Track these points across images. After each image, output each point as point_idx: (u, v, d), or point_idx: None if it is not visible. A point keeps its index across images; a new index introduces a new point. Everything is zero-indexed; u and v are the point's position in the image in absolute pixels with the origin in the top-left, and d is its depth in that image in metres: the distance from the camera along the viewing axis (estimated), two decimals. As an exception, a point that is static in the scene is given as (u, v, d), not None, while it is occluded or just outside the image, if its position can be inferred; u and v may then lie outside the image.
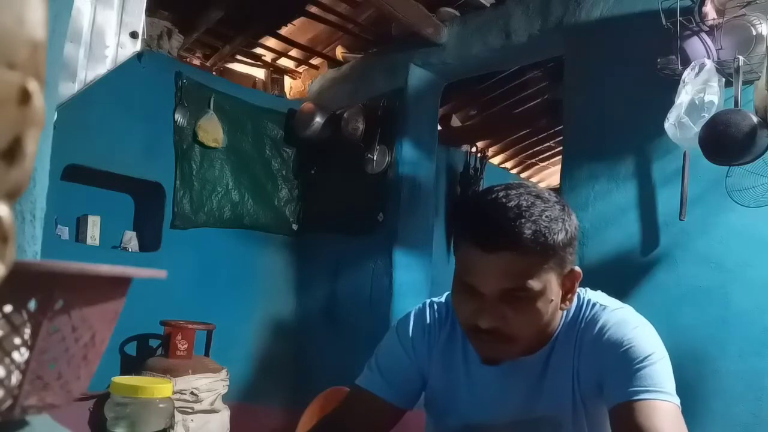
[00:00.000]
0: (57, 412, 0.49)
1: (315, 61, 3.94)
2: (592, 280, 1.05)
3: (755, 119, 1.76)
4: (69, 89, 1.76)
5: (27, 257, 0.79)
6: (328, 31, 3.61)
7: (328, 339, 3.50)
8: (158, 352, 3.06)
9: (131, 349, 3.08)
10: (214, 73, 3.83)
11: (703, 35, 1.94)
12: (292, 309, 3.79)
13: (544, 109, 4.17)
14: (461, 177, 4.65)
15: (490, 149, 4.86)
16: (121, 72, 2.13)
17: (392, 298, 3.18)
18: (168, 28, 3.31)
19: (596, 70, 2.45)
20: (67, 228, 3.03)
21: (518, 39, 2.82)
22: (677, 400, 0.86)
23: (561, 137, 3.07)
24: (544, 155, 5.17)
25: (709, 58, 1.91)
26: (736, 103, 1.83)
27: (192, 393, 2.72)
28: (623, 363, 0.88)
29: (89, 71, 1.81)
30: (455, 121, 4.60)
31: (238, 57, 3.88)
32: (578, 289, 0.97)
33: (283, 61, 3.99)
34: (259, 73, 4.09)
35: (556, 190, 2.22)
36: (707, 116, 1.83)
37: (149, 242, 3.25)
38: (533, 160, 5.31)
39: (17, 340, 0.42)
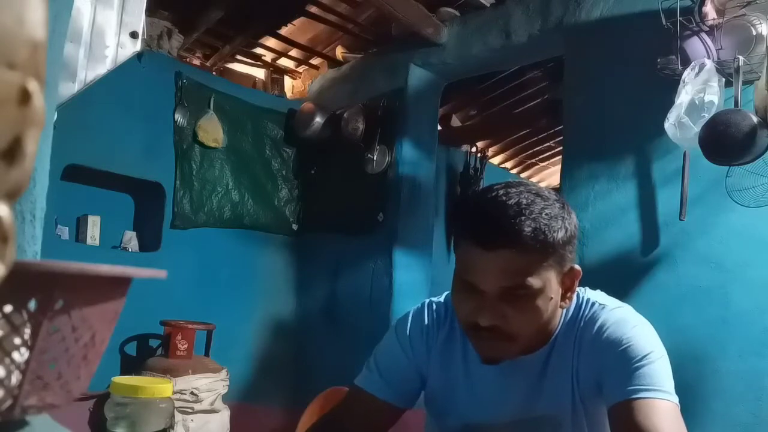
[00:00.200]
0: (57, 412, 0.49)
1: (315, 61, 3.94)
2: (592, 280, 1.05)
3: (755, 119, 1.76)
4: (69, 89, 1.76)
5: (27, 257, 0.79)
6: (328, 31, 3.61)
7: (328, 339, 3.50)
8: (158, 352, 3.06)
9: (131, 349, 3.08)
10: (214, 73, 3.83)
11: (703, 35, 1.94)
12: (292, 309, 3.79)
13: (544, 109, 4.17)
14: (461, 177, 4.65)
15: (490, 149, 4.86)
16: (121, 72, 2.13)
17: (392, 298, 3.18)
18: (168, 28, 3.31)
19: (596, 70, 2.45)
20: (67, 228, 3.03)
21: (518, 39, 2.82)
22: (676, 399, 0.86)
23: (561, 137, 3.07)
24: (544, 155, 5.17)
25: (709, 58, 1.91)
26: (736, 103, 1.83)
27: (192, 393, 2.72)
28: (622, 362, 0.88)
29: (89, 71, 1.81)
30: (455, 121, 4.60)
31: (238, 57, 3.88)
32: (578, 289, 0.97)
33: (283, 61, 3.99)
34: (259, 73, 4.09)
35: (556, 190, 2.22)
36: (707, 116, 1.83)
37: (149, 242, 3.25)
38: (533, 160, 5.31)
39: (17, 340, 0.42)
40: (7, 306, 0.41)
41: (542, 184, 5.10)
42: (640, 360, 0.87)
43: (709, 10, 1.95)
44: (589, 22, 2.50)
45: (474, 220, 0.90)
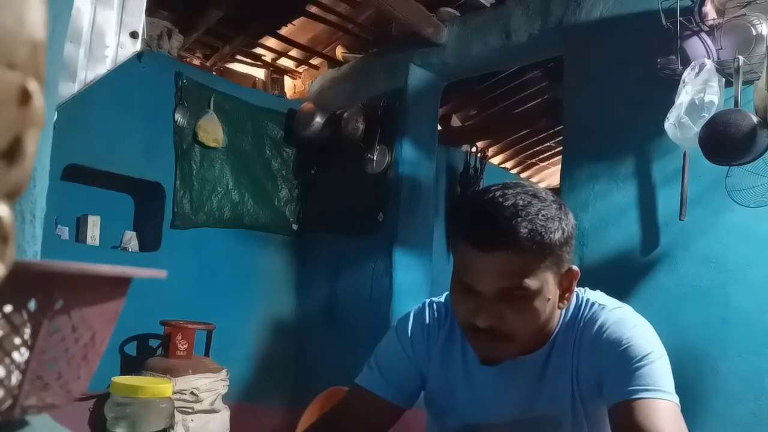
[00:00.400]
0: (57, 412, 0.49)
1: (315, 61, 3.94)
2: (592, 280, 1.05)
3: (755, 119, 1.76)
4: (69, 89, 1.76)
5: (27, 257, 0.79)
6: (328, 31, 3.61)
7: (328, 339, 3.50)
8: (158, 352, 3.06)
9: (131, 349, 3.08)
10: (214, 73, 3.83)
11: (703, 35, 1.94)
12: (292, 309, 3.79)
13: (544, 109, 4.17)
14: (461, 177, 4.65)
15: (490, 149, 4.86)
16: (121, 72, 2.12)
17: (392, 298, 3.18)
18: (168, 28, 3.31)
19: (596, 70, 2.45)
20: (67, 228, 3.03)
21: (518, 39, 2.82)
22: (676, 399, 0.86)
23: (561, 137, 3.07)
24: (544, 155, 5.17)
25: (709, 58, 1.91)
26: (736, 103, 1.83)
27: (192, 393, 2.72)
28: (622, 362, 0.88)
29: (89, 71, 1.81)
30: (455, 121, 4.60)
31: (238, 57, 3.88)
32: (577, 289, 0.98)
33: (283, 61, 3.99)
34: (259, 73, 4.09)
35: (556, 190, 2.22)
36: (707, 116, 1.83)
37: (149, 242, 3.25)
38: (533, 160, 5.31)
39: (17, 340, 0.42)
40: (7, 306, 0.41)
41: (542, 184, 5.10)
42: (640, 360, 0.87)
43: (709, 10, 1.95)
44: (589, 22, 2.50)
45: (471, 222, 0.90)
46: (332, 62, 3.81)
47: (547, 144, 4.89)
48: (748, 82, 1.89)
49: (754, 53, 1.87)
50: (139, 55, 2.83)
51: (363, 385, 1.07)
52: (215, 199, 3.47)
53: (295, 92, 4.14)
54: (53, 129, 0.95)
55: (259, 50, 3.82)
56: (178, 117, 3.31)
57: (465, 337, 0.98)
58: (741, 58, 1.84)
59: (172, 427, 0.73)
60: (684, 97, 1.88)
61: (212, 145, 3.43)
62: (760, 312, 1.93)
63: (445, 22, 3.14)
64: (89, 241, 3.05)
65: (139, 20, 1.90)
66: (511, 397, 0.98)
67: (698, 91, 1.87)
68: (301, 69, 4.07)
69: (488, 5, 3.00)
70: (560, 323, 0.97)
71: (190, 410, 2.71)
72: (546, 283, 0.87)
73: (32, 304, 0.42)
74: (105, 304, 0.47)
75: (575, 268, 0.92)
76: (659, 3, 2.02)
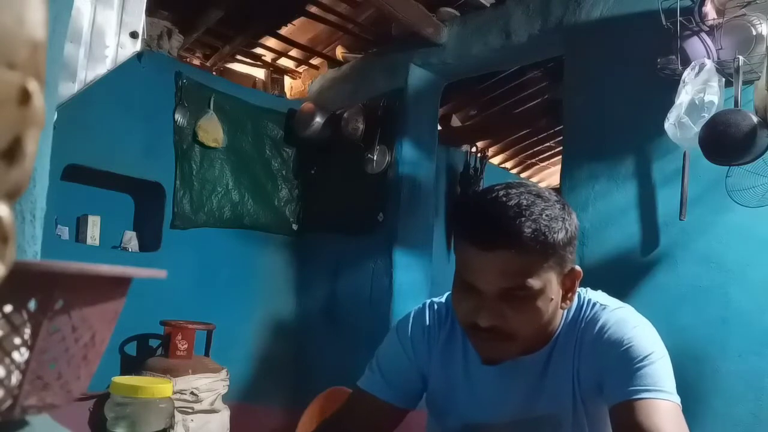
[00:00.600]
0: (57, 412, 0.49)
1: (315, 61, 3.94)
2: (592, 280, 1.05)
3: (755, 119, 1.76)
4: (69, 89, 1.76)
5: (27, 257, 0.79)
6: (328, 31, 3.61)
7: (328, 339, 3.50)
8: (158, 352, 3.06)
9: (131, 349, 3.08)
10: (214, 73, 3.83)
11: (703, 35, 1.94)
12: (292, 309, 3.79)
13: (544, 109, 4.17)
14: (461, 177, 4.65)
15: (490, 149, 4.86)
16: (121, 72, 2.12)
17: (392, 298, 3.18)
18: (168, 28, 3.30)
19: (596, 70, 2.45)
20: (67, 228, 3.03)
21: (518, 39, 2.82)
22: (677, 399, 0.86)
23: (561, 137, 3.07)
24: (544, 155, 5.17)
25: (709, 58, 1.91)
26: (736, 103, 1.83)
27: (192, 393, 2.72)
28: (623, 362, 0.88)
29: (89, 71, 1.81)
30: (455, 121, 4.60)
31: (238, 57, 3.88)
32: (579, 289, 0.97)
33: (283, 61, 3.99)
34: (259, 73, 4.09)
35: (556, 190, 2.22)
36: (707, 116, 1.83)
37: (149, 242, 3.25)
38: (533, 160, 5.31)
39: (17, 340, 0.42)
40: (7, 306, 0.41)
41: (542, 184, 5.12)
42: (642, 360, 0.87)
43: (709, 10, 1.95)
44: (589, 22, 2.50)
45: (474, 221, 0.90)
46: (332, 62, 3.81)
47: (547, 144, 4.89)
48: (748, 82, 1.89)
49: (754, 53, 1.87)
50: (139, 55, 2.83)
51: (365, 387, 1.07)
52: (215, 199, 3.47)
53: (294, 92, 4.14)
54: (53, 129, 0.95)
55: (259, 50, 3.82)
56: (178, 117, 3.31)
57: (466, 336, 0.98)
58: (741, 58, 1.84)
59: (172, 427, 0.73)
60: (684, 97, 1.88)
61: (212, 145, 3.43)
62: (760, 312, 1.93)
63: (445, 22, 3.14)
64: (89, 241, 3.05)
65: (139, 20, 1.90)
66: (512, 397, 0.98)
67: (698, 91, 1.87)
68: (301, 69, 4.07)
69: (488, 5, 3.00)
70: (562, 323, 0.97)
71: (190, 410, 2.71)
72: (549, 283, 0.87)
73: (32, 304, 0.42)
74: (105, 304, 0.47)
75: (578, 268, 0.92)
76: (659, 3, 2.02)
